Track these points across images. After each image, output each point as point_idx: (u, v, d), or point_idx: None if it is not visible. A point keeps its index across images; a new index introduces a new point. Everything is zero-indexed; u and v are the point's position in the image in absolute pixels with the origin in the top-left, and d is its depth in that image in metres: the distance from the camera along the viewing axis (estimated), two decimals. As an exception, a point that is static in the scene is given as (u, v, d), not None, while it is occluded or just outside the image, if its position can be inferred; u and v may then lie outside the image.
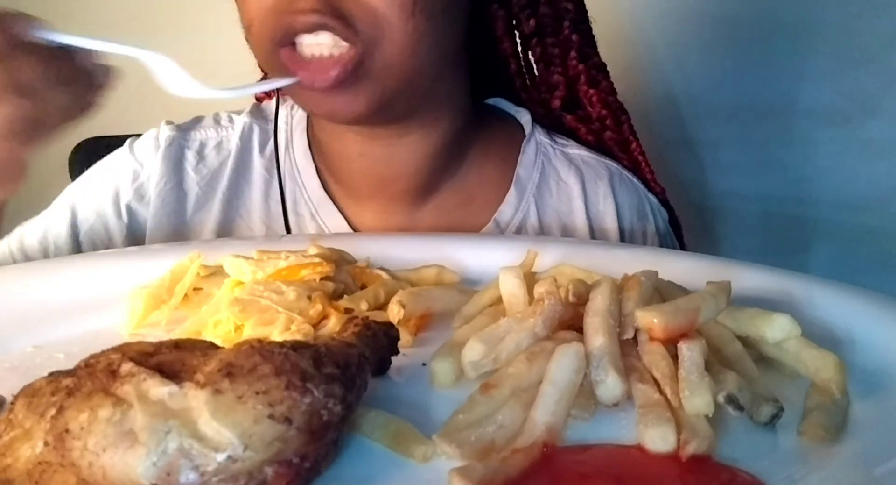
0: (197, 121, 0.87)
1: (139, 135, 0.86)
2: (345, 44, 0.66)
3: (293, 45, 0.67)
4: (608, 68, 0.87)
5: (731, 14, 1.19)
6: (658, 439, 0.37)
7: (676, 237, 0.92)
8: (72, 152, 1.11)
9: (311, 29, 0.66)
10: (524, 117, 0.87)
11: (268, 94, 0.93)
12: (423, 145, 0.79)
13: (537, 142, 0.86)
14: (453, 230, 0.82)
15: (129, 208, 0.81)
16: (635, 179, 0.87)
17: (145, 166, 0.82)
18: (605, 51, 0.87)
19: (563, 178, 0.84)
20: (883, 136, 1.11)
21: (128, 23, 1.55)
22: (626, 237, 0.84)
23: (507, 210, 0.83)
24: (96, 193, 0.82)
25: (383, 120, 0.75)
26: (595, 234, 0.83)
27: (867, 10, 1.09)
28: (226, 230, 0.82)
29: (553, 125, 0.89)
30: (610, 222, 0.84)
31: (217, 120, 0.87)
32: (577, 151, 0.86)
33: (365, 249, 0.64)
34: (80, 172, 1.04)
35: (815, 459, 0.38)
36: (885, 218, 1.13)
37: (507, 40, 0.84)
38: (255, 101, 0.94)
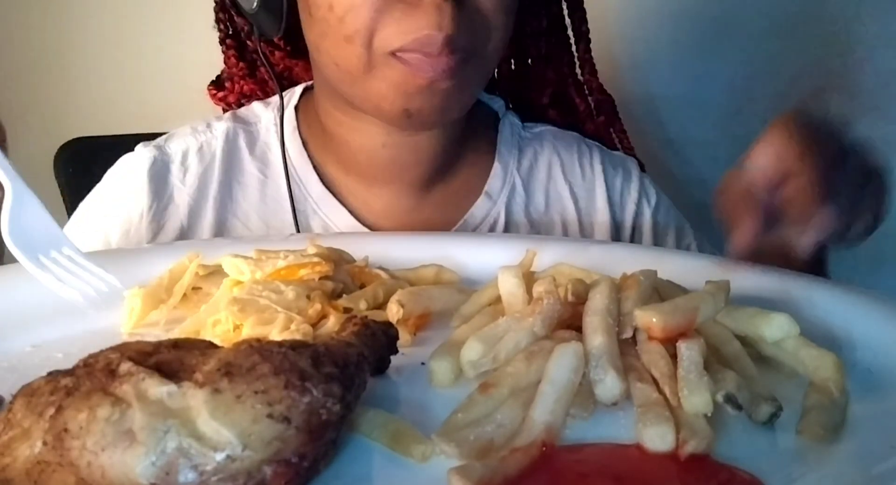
0: (172, 134, 0.87)
1: (126, 135, 0.85)
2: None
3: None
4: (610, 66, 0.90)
5: (732, 14, 1.19)
6: (657, 438, 0.37)
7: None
8: (57, 152, 1.09)
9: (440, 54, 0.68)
10: (497, 103, 0.94)
11: (224, 103, 0.94)
12: (442, 133, 0.82)
13: (511, 123, 0.93)
14: (455, 211, 0.86)
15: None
16: (597, 143, 0.95)
17: (128, 198, 0.81)
18: (611, 49, 0.90)
19: (538, 151, 0.92)
20: (883, 136, 1.11)
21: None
22: (610, 192, 0.90)
23: (495, 183, 0.88)
24: (87, 239, 0.80)
25: None
26: (577, 197, 0.90)
27: (867, 10, 1.09)
28: (222, 233, 0.83)
29: (533, 118, 0.96)
30: (590, 177, 0.91)
31: (193, 128, 0.87)
32: (543, 127, 0.95)
33: (364, 248, 0.64)
34: (66, 172, 1.02)
35: (814, 458, 0.38)
36: (883, 218, 1.13)
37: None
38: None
